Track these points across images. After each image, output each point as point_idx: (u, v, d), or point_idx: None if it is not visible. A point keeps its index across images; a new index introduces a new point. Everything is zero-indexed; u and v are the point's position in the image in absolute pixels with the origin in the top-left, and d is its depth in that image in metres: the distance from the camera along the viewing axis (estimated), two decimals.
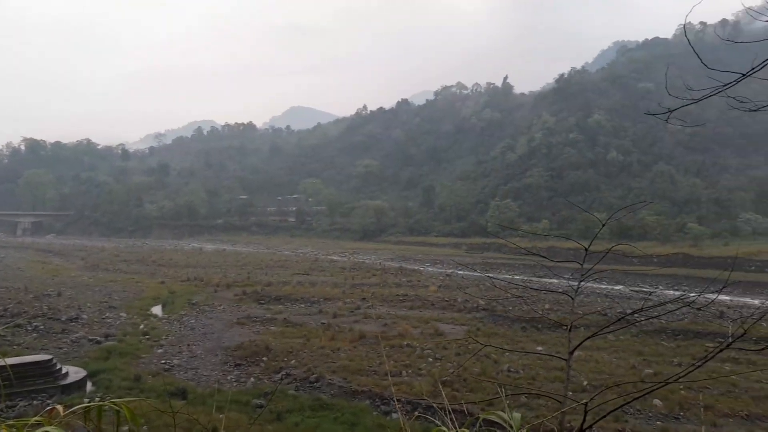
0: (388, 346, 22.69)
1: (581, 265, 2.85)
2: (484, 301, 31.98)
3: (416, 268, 59.68)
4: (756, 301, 37.40)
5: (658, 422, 14.54)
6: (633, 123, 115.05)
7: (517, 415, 1.77)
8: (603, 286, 44.46)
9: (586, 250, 2.82)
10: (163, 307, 34.82)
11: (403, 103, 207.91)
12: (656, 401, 15.48)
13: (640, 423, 14.39)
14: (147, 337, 25.31)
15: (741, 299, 38.30)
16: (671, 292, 41.16)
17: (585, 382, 17.01)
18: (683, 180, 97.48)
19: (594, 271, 2.97)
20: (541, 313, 28.18)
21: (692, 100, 2.81)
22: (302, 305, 33.71)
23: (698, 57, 2.71)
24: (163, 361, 21.04)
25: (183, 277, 47.14)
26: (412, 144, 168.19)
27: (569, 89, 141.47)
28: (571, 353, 2.25)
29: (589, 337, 2.34)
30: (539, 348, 21.71)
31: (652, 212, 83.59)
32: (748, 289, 44.10)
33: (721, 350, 1.94)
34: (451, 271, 54.97)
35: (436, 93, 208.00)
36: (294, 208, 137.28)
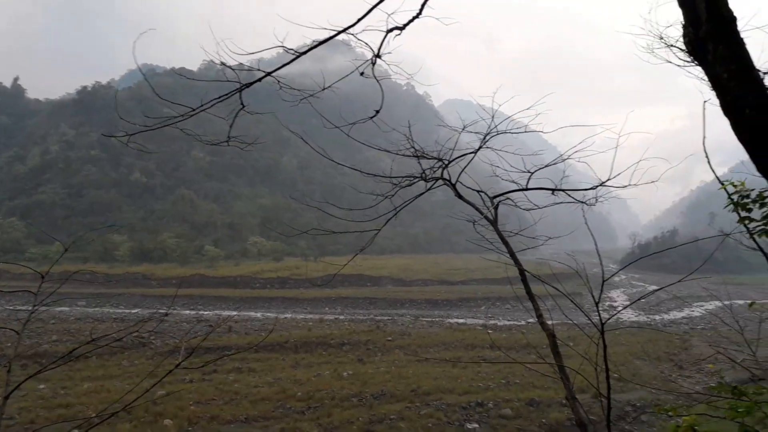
0: None
1: (35, 294, 2.51)
2: None
3: None
4: (258, 314, 43.02)
5: None
6: (158, 146, 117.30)
7: None
8: (120, 311, 43.18)
9: (42, 276, 2.51)
10: None
11: None
12: (167, 421, 15.68)
13: None
14: None
15: (246, 314, 43.25)
16: (187, 312, 43.21)
17: (92, 414, 15.88)
18: (203, 204, 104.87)
19: (63, 297, 2.68)
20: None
21: (146, 127, 2.98)
22: None
23: (155, 92, 2.89)
24: None
25: None
26: None
27: (94, 103, 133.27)
28: (6, 398, 1.90)
29: (31, 377, 2.03)
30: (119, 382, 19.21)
31: (173, 235, 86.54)
32: (253, 303, 50.45)
33: (171, 371, 1.97)
34: None
35: None
36: None
